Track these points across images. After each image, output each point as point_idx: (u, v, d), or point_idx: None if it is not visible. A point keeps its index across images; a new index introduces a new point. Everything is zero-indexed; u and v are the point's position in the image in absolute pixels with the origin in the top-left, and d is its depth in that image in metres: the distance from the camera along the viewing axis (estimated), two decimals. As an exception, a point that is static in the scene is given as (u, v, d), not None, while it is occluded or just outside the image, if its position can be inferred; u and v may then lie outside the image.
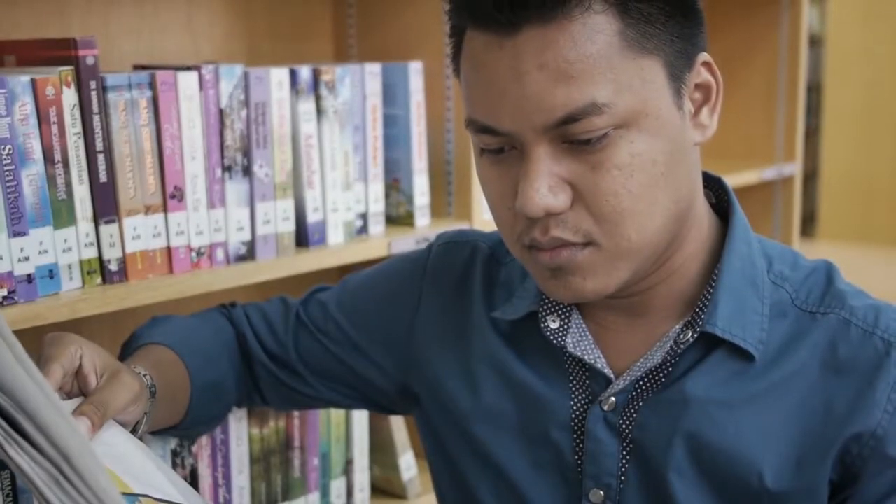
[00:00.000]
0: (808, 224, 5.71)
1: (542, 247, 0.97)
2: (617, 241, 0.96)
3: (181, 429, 1.25)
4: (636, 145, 0.94)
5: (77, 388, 1.03)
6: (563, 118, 0.92)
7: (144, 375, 1.10)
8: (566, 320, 1.09)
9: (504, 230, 1.02)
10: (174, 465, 1.51)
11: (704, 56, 1.00)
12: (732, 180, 2.36)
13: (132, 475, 0.97)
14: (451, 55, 1.02)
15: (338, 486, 1.75)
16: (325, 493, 1.73)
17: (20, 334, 1.29)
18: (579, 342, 1.08)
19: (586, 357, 1.07)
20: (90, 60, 1.31)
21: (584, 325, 1.08)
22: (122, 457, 0.99)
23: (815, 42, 5.55)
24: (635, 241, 0.96)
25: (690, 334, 1.02)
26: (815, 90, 5.61)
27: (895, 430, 0.99)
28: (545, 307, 1.09)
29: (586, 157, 0.94)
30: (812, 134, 5.57)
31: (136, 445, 1.03)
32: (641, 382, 1.05)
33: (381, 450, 1.83)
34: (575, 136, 0.93)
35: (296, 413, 1.66)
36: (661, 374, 1.05)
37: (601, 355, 1.07)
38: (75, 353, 1.01)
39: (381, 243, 1.67)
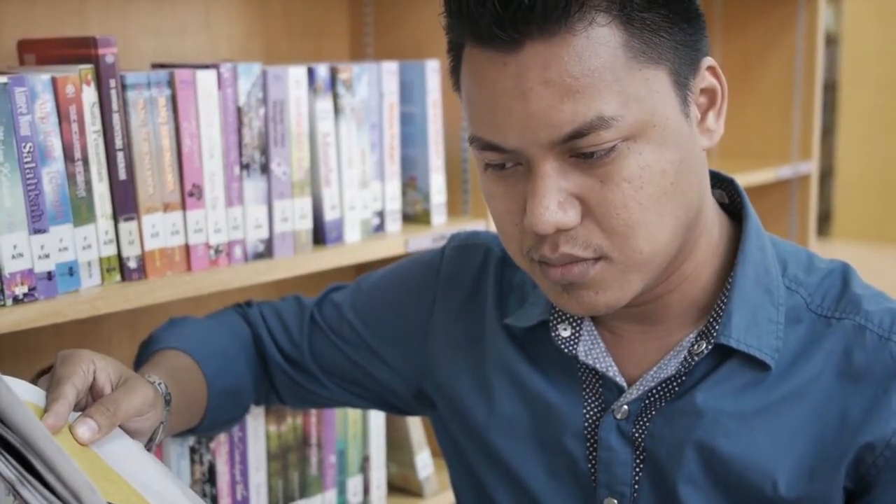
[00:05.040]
0: (823, 223, 5.69)
1: (552, 263, 0.96)
2: (628, 254, 0.95)
3: (199, 431, 1.25)
4: (645, 157, 0.92)
5: (93, 402, 1.02)
6: (570, 133, 0.91)
7: (159, 384, 1.10)
8: (578, 328, 1.08)
9: (510, 245, 1.00)
10: (192, 462, 1.52)
11: (709, 61, 0.98)
12: (748, 179, 2.36)
13: (152, 491, 0.96)
14: (450, 70, 1.01)
15: (354, 483, 1.76)
16: (341, 491, 1.74)
17: (40, 331, 1.31)
18: (591, 350, 1.07)
19: (598, 365, 1.06)
20: (110, 59, 1.32)
21: (596, 333, 1.08)
22: (141, 472, 0.98)
23: (831, 41, 5.53)
24: (647, 252, 0.95)
25: (705, 346, 1.01)
26: (830, 89, 5.59)
27: None
28: (556, 315, 1.08)
29: (594, 170, 0.92)
30: (827, 133, 5.55)
31: (153, 460, 1.02)
32: (654, 392, 1.04)
33: (398, 448, 1.84)
34: (582, 150, 0.92)
35: (313, 411, 1.66)
36: (674, 384, 1.04)
37: (613, 363, 1.06)
38: (88, 369, 1.00)
39: (398, 241, 1.68)
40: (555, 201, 0.92)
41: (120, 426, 1.01)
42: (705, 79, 0.98)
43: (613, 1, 0.90)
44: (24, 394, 0.95)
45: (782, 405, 1.01)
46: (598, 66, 0.90)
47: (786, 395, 1.01)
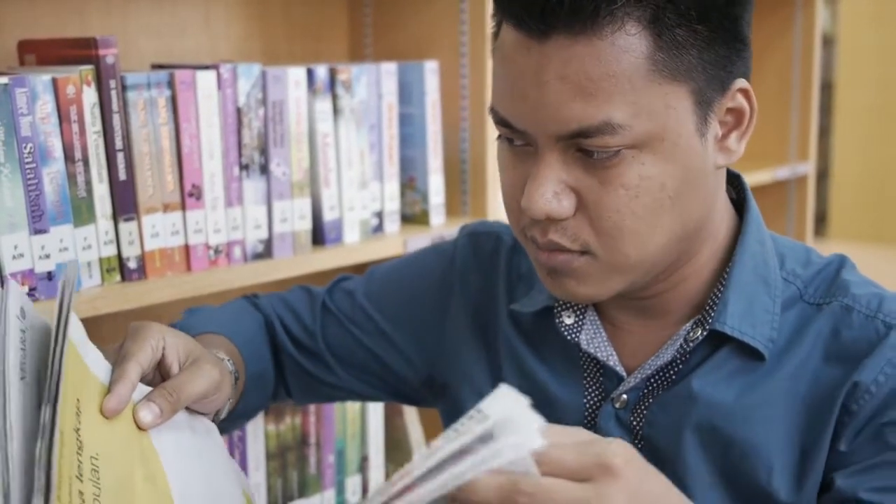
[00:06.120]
0: (820, 223, 5.70)
1: (539, 247, 0.98)
2: (614, 256, 0.96)
3: (229, 419, 1.25)
4: (647, 168, 0.93)
5: (160, 379, 1.01)
6: (576, 131, 0.92)
7: (228, 361, 1.09)
8: (581, 317, 1.09)
9: (511, 217, 1.03)
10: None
11: (742, 83, 0.98)
12: (746, 180, 2.37)
13: (187, 496, 0.95)
14: (492, 35, 1.02)
15: (353, 482, 1.76)
16: (340, 490, 1.74)
17: (41, 331, 1.30)
18: (593, 339, 1.08)
19: (599, 354, 1.07)
20: (110, 59, 1.32)
21: (598, 322, 1.09)
22: (186, 473, 0.96)
23: (827, 41, 5.54)
24: (633, 258, 0.97)
25: (700, 332, 1.02)
26: (826, 90, 5.60)
27: (879, 404, 0.98)
28: (560, 303, 1.10)
29: (595, 170, 0.94)
30: (823, 133, 5.56)
31: (207, 458, 1.00)
32: (652, 380, 1.06)
33: (396, 447, 1.84)
34: (586, 149, 0.93)
35: (311, 409, 1.66)
36: (671, 372, 1.05)
37: (614, 353, 1.08)
38: (157, 345, 0.99)
39: (397, 242, 1.68)
40: (551, 190, 0.94)
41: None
42: (735, 99, 0.98)
43: (646, 10, 0.90)
44: (93, 365, 0.93)
45: (775, 392, 1.02)
46: (617, 73, 0.90)
47: (777, 381, 1.02)
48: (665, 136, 0.93)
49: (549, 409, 1.11)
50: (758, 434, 1.01)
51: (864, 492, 0.96)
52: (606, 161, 0.93)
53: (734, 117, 0.99)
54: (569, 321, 1.09)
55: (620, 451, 0.76)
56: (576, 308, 1.09)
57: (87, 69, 1.31)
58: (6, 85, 1.21)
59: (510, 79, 0.95)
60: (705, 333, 1.02)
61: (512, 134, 0.97)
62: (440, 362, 1.24)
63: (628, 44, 0.90)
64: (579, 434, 0.78)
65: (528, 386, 1.13)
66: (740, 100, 0.98)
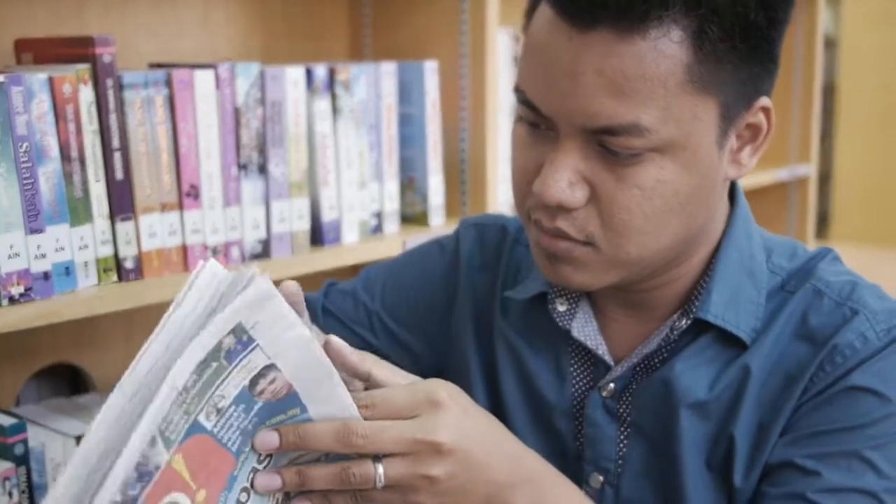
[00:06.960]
0: (821, 226, 5.69)
1: (543, 230, 0.99)
2: (615, 251, 0.97)
3: None
4: (665, 172, 0.94)
5: None
6: (603, 128, 0.92)
7: None
8: (574, 305, 1.10)
9: (516, 198, 1.03)
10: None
11: (765, 101, 0.99)
12: (746, 181, 2.36)
13: None
14: (526, 11, 1.01)
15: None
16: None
17: (36, 331, 1.30)
18: (584, 328, 1.10)
19: (589, 343, 1.09)
20: (107, 58, 1.32)
21: (591, 312, 1.10)
22: None
23: (830, 44, 5.53)
24: (634, 255, 0.98)
25: (684, 321, 1.04)
26: (828, 92, 5.59)
27: (827, 383, 0.99)
28: (555, 289, 1.11)
29: (614, 167, 0.94)
30: (826, 136, 5.55)
31: None
32: (638, 368, 1.07)
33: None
34: (609, 147, 0.93)
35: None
36: (656, 360, 1.07)
37: (603, 342, 1.09)
38: None
39: (396, 242, 1.67)
40: (566, 179, 0.95)
41: None
42: (756, 115, 0.99)
43: (693, 20, 0.91)
44: None
45: (749, 376, 1.02)
46: (654, 77, 0.91)
47: (752, 366, 1.03)
48: (687, 146, 0.94)
49: (540, 399, 1.13)
50: (730, 419, 1.03)
51: (799, 458, 0.98)
52: (627, 160, 0.94)
53: (751, 132, 1.00)
54: (562, 308, 1.11)
55: (444, 387, 0.88)
56: (570, 296, 1.11)
57: (84, 68, 1.30)
58: (2, 84, 1.20)
59: (543, 63, 0.95)
60: (689, 322, 1.04)
61: (536, 118, 0.98)
62: (448, 355, 1.24)
63: (670, 50, 0.91)
64: (402, 372, 0.90)
65: (517, 374, 1.15)
66: (761, 117, 0.99)
